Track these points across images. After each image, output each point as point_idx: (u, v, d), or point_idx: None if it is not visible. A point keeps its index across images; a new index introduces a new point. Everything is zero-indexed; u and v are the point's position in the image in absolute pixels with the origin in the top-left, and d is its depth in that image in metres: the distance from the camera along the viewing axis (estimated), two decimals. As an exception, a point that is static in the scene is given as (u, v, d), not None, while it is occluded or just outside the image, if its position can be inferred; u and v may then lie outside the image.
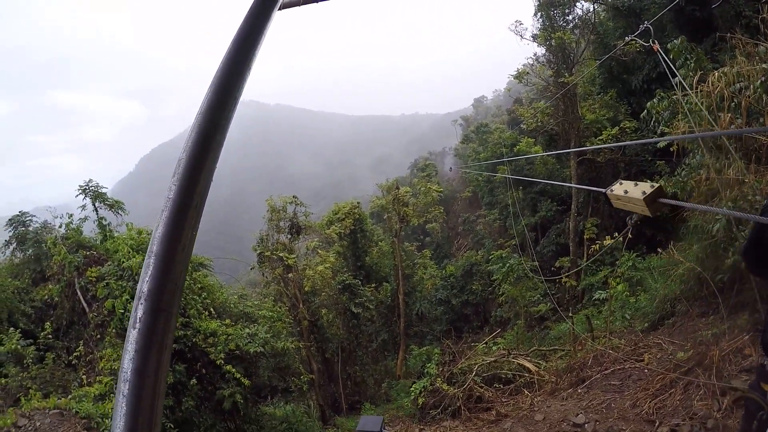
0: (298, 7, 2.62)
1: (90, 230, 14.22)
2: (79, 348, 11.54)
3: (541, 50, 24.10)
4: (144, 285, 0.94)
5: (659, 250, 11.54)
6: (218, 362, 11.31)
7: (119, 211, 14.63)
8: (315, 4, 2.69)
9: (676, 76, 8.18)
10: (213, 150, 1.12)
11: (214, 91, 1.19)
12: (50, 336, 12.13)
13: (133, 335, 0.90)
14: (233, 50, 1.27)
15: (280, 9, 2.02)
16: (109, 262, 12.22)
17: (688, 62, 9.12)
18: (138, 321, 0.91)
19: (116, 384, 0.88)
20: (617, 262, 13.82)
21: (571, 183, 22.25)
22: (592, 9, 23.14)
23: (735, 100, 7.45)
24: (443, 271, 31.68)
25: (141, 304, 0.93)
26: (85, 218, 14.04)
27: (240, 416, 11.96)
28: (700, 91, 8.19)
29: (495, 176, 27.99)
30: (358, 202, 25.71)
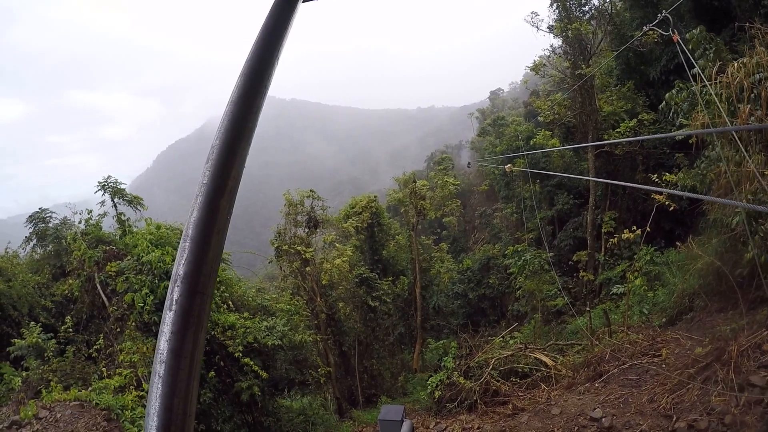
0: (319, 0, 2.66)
1: (109, 225, 14.47)
2: (99, 341, 11.83)
3: (557, 41, 23.87)
4: (180, 268, 0.96)
5: (678, 244, 11.40)
6: (236, 355, 11.48)
7: (138, 207, 14.84)
8: None
9: (695, 66, 8.06)
10: (245, 136, 1.15)
11: (244, 80, 1.22)
12: (70, 330, 12.44)
13: (169, 317, 0.91)
14: (260, 40, 1.30)
15: (304, 1, 2.07)
16: (128, 257, 12.44)
17: (707, 53, 8.99)
18: (174, 303, 0.93)
19: (153, 365, 0.89)
20: (635, 256, 13.69)
21: (588, 176, 22.03)
22: (608, -1, 22.84)
23: (755, 91, 7.33)
24: (460, 265, 31.64)
25: (177, 286, 0.94)
26: (105, 214, 14.29)
27: (257, 408, 12.13)
28: (719, 82, 8.07)
29: (511, 170, 27.78)
30: (375, 196, 25.76)
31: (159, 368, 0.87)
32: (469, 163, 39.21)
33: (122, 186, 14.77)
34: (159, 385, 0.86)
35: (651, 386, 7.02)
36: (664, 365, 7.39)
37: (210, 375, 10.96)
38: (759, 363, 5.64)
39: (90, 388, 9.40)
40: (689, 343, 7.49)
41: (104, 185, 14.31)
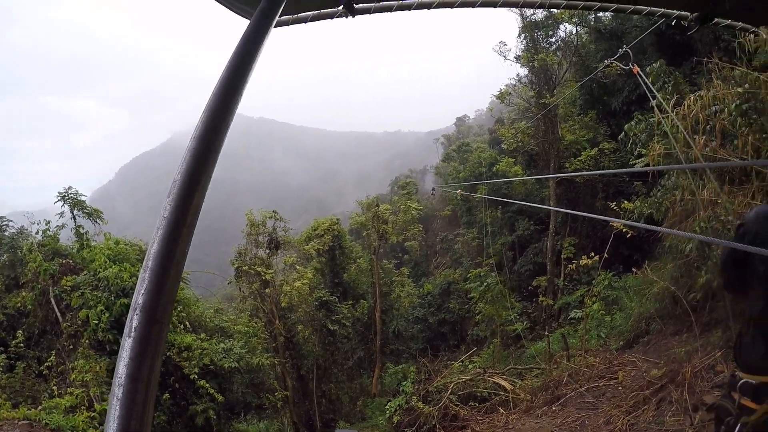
0: (287, 27, 2.66)
1: (67, 238, 13.93)
2: (51, 358, 11.24)
3: (523, 71, 24.61)
4: (139, 297, 1.00)
5: (635, 269, 11.66)
6: (192, 377, 11.13)
7: (97, 220, 14.33)
8: (303, 24, 2.75)
9: (655, 98, 8.33)
10: (206, 172, 1.20)
11: (208, 116, 1.26)
12: (21, 345, 11.75)
13: (128, 343, 0.96)
14: (228, 73, 1.35)
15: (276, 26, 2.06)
16: (85, 272, 12.06)
17: (666, 85, 9.33)
18: (133, 330, 0.97)
19: (111, 388, 0.94)
20: (594, 282, 13.94)
21: (549, 202, 22.49)
22: (574, 31, 23.70)
23: (710, 123, 7.60)
24: (421, 289, 31.60)
25: (136, 315, 0.99)
26: (63, 225, 13.76)
27: (212, 433, 11.70)
28: (677, 113, 8.36)
29: (473, 196, 28.15)
30: (337, 219, 25.63)
31: (117, 391, 0.91)
32: (433, 189, 39.60)
33: (83, 198, 14.24)
34: (117, 408, 0.90)
35: (607, 408, 7.05)
36: (620, 387, 7.47)
37: (164, 397, 10.53)
38: (712, 383, 5.75)
39: (40, 407, 8.99)
40: (645, 366, 7.61)
41: (64, 196, 13.76)
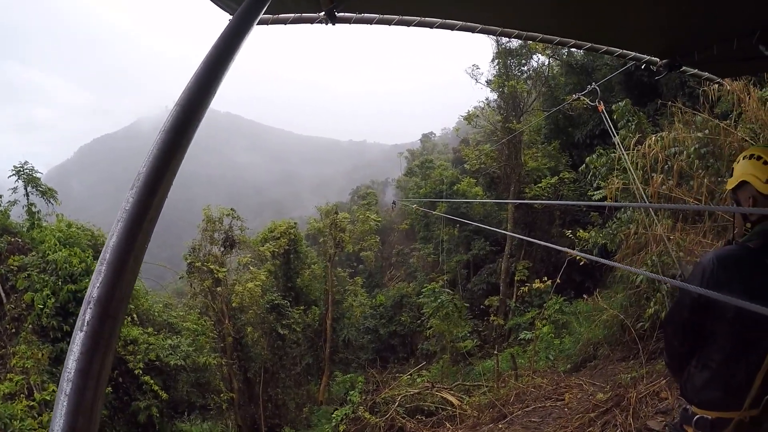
0: (266, 26, 2.67)
1: (18, 215, 13.28)
2: (-9, 341, 10.70)
3: (493, 96, 25.13)
4: (94, 290, 0.96)
5: (585, 296, 12.06)
6: (137, 372, 10.80)
7: (51, 200, 13.74)
8: (282, 25, 2.77)
9: (617, 135, 8.71)
10: (172, 168, 1.16)
11: (180, 110, 1.21)
12: (-40, 326, 11.16)
13: (80, 337, 0.92)
14: (204, 68, 1.29)
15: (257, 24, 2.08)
16: (33, 253, 11.49)
17: (629, 123, 9.75)
18: (86, 324, 0.93)
19: (60, 383, 0.90)
20: (545, 305, 14.31)
21: (507, 226, 22.99)
22: (546, 63, 24.45)
23: (668, 163, 8.00)
24: (373, 300, 31.57)
25: (90, 308, 0.95)
26: (15, 202, 13.09)
27: (155, 431, 11.38)
28: (638, 151, 8.76)
29: (432, 213, 28.46)
30: (295, 223, 25.45)
31: (66, 387, 0.88)
32: (394, 203, 39.79)
33: (38, 174, 13.63)
34: (65, 403, 0.87)
35: (553, 429, 7.24)
36: (566, 409, 7.69)
37: (107, 391, 10.16)
38: (656, 409, 6.01)
39: (-25, 391, 8.52)
40: (591, 389, 7.86)
41: (19, 171, 13.15)
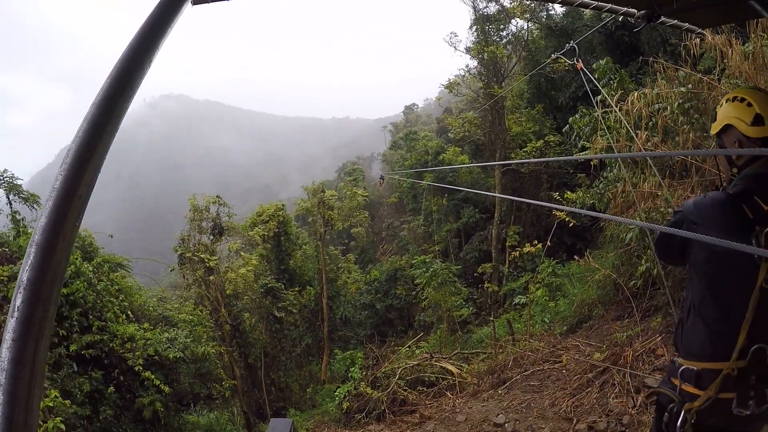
0: (208, 4, 2.48)
1: (2, 225, 13.02)
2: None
3: (473, 63, 24.89)
4: (24, 274, 0.94)
5: (577, 258, 12.11)
6: (137, 368, 10.67)
7: (35, 206, 13.46)
8: (227, 2, 2.59)
9: (599, 94, 8.61)
10: (104, 141, 1.13)
11: (111, 82, 1.19)
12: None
13: (11, 324, 0.90)
14: (137, 42, 1.28)
15: (193, 4, 1.96)
16: (22, 261, 11.23)
17: (611, 81, 9.65)
18: (16, 310, 0.91)
19: None
20: (538, 269, 14.39)
21: (495, 192, 23.00)
22: (526, 27, 24.17)
23: (653, 120, 7.93)
24: (367, 276, 31.74)
25: (20, 293, 0.93)
26: None
27: (162, 425, 11.36)
28: (620, 109, 8.69)
29: (420, 183, 28.41)
30: (282, 204, 25.29)
31: (0, 377, 0.86)
32: (381, 177, 39.70)
33: (19, 181, 13.32)
34: None
35: (552, 391, 7.32)
36: (564, 371, 7.76)
37: (109, 390, 10.12)
38: (653, 366, 6.08)
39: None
40: (588, 350, 7.93)
41: None
